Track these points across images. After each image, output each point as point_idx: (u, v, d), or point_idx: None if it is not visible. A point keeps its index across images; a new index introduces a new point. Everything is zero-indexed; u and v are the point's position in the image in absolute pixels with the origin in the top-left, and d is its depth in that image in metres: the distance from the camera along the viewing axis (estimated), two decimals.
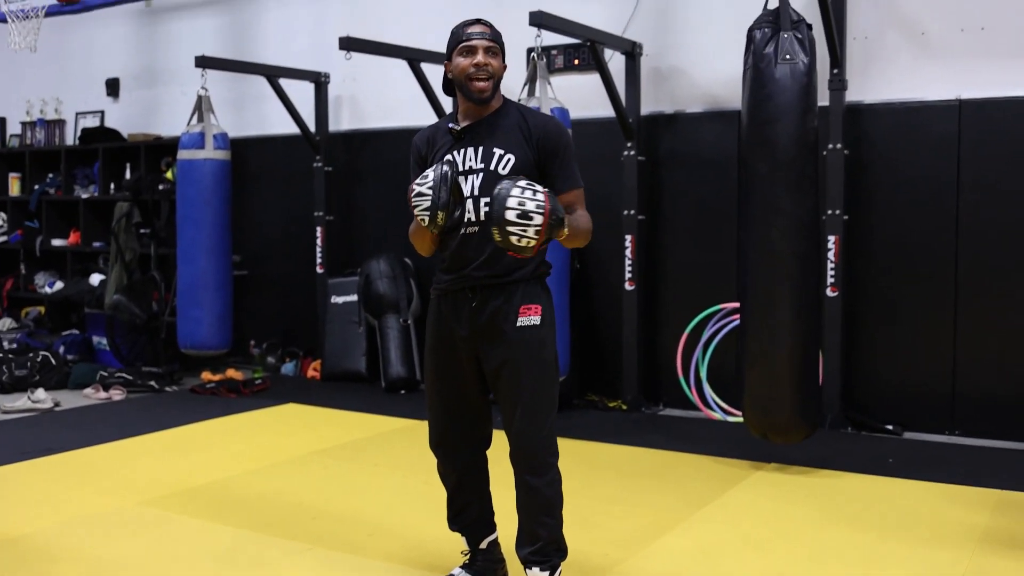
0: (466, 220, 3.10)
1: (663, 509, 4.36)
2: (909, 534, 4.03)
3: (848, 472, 4.94)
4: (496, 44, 3.13)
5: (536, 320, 3.10)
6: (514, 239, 2.78)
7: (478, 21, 3.16)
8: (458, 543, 3.46)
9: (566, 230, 2.88)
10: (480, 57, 3.08)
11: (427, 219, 2.94)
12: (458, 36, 3.14)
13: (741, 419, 5.43)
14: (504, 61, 3.18)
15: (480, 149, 3.11)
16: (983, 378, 5.63)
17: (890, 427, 5.78)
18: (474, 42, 3.10)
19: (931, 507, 4.38)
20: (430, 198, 2.92)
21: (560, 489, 3.14)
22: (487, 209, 2.92)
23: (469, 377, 3.19)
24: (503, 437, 3.17)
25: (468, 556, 3.39)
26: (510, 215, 2.76)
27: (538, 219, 2.77)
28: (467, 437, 3.28)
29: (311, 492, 4.64)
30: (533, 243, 2.79)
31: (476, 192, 3.08)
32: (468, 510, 3.33)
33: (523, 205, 2.77)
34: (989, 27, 5.55)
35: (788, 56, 4.63)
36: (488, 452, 3.35)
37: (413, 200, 2.95)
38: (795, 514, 4.32)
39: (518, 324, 3.07)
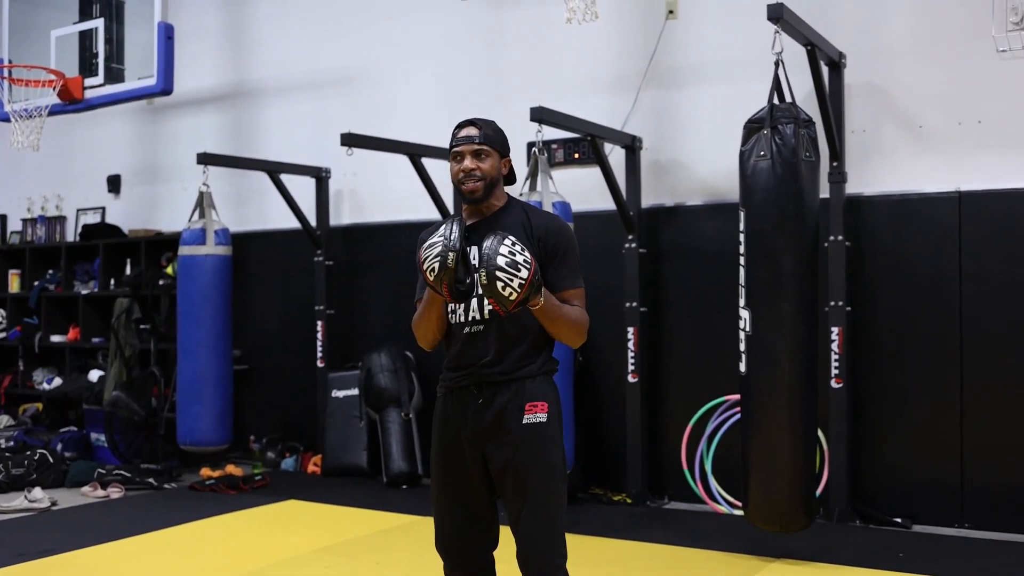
0: (471, 319, 3.10)
1: None
2: None
3: (859, 567, 4.86)
4: (487, 146, 3.13)
5: (543, 417, 3.06)
6: (499, 285, 2.82)
7: (471, 123, 3.17)
8: None
9: (542, 299, 2.91)
10: (467, 163, 3.11)
11: (437, 267, 2.88)
12: (451, 141, 3.18)
13: None
14: (504, 157, 3.19)
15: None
16: (991, 469, 5.58)
17: (899, 520, 5.70)
18: (460, 148, 3.13)
19: None
20: (441, 242, 2.90)
21: None
22: (484, 280, 2.88)
23: (476, 477, 3.13)
24: (510, 534, 3.12)
25: None
26: (501, 261, 2.82)
27: (524, 272, 2.83)
28: (474, 540, 3.20)
29: None
30: (515, 296, 2.83)
31: (481, 291, 3.07)
32: None
33: (513, 256, 2.84)
34: (986, 120, 5.62)
35: (808, 154, 4.74)
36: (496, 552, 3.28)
37: (423, 254, 2.92)
38: None
39: (524, 422, 3.04)
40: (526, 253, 2.88)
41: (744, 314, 4.81)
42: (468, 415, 3.10)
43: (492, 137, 3.16)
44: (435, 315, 3.14)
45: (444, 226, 2.94)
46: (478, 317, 3.09)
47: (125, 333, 7.95)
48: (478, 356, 3.08)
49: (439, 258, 2.88)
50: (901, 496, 5.80)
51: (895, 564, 4.90)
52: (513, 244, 2.88)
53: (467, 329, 3.10)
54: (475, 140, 3.12)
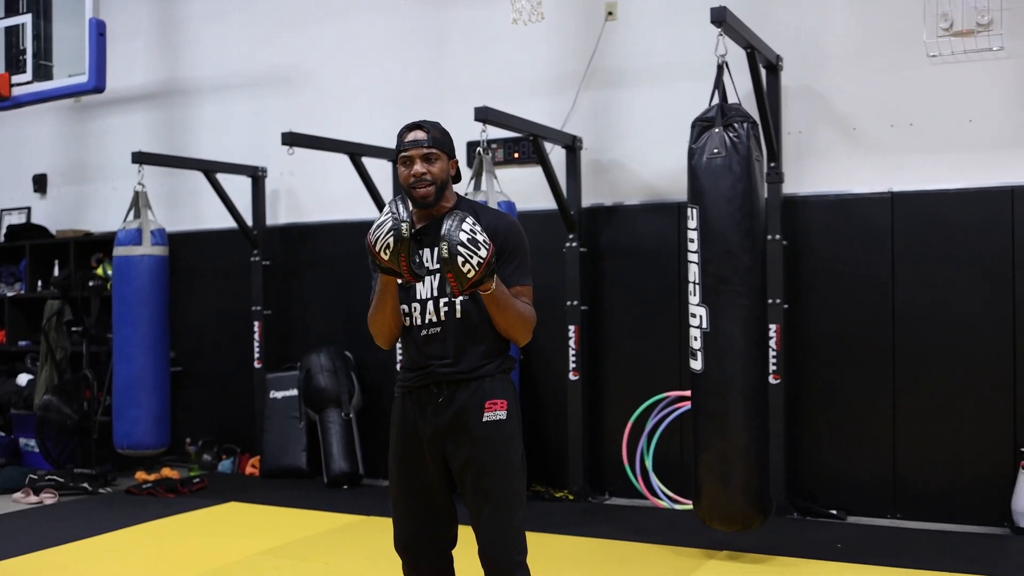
0: (428, 321, 3.11)
1: None
2: None
3: (800, 558, 4.97)
4: (436, 149, 3.11)
5: (502, 415, 3.08)
6: (460, 260, 2.84)
7: (418, 126, 3.14)
8: None
9: (493, 285, 2.94)
10: (417, 167, 3.09)
11: (392, 241, 2.88)
12: (398, 145, 3.15)
13: (689, 507, 5.46)
14: (452, 158, 3.17)
15: (436, 250, 3.07)
16: (922, 463, 5.74)
17: (834, 512, 5.85)
18: (409, 152, 3.10)
19: None
20: (391, 218, 2.90)
21: None
22: (445, 253, 2.88)
23: (435, 476, 3.13)
24: (470, 532, 3.13)
25: None
26: (463, 237, 2.86)
27: (484, 252, 2.87)
28: (433, 539, 3.19)
29: None
30: (473, 274, 2.86)
31: (435, 293, 3.10)
32: None
33: (474, 234, 2.88)
34: (918, 123, 5.79)
35: (757, 153, 4.82)
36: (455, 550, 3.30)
37: (373, 236, 2.92)
38: None
39: (484, 419, 3.05)
40: (485, 235, 2.91)
41: (700, 311, 4.83)
42: (427, 414, 3.11)
43: (440, 140, 3.14)
44: (390, 305, 3.11)
45: (388, 206, 2.94)
46: (435, 319, 3.10)
47: (56, 335, 7.78)
48: (437, 357, 3.09)
49: (392, 232, 2.88)
50: (836, 489, 5.94)
51: (833, 555, 5.02)
52: (473, 224, 2.91)
53: (424, 332, 3.11)
54: (424, 144, 3.09)
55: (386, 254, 2.90)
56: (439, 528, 3.19)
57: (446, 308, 3.08)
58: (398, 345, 3.30)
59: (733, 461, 4.84)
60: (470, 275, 2.86)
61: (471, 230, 2.89)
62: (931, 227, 5.72)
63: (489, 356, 3.11)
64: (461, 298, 3.06)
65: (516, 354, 3.20)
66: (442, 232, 2.90)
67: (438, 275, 3.10)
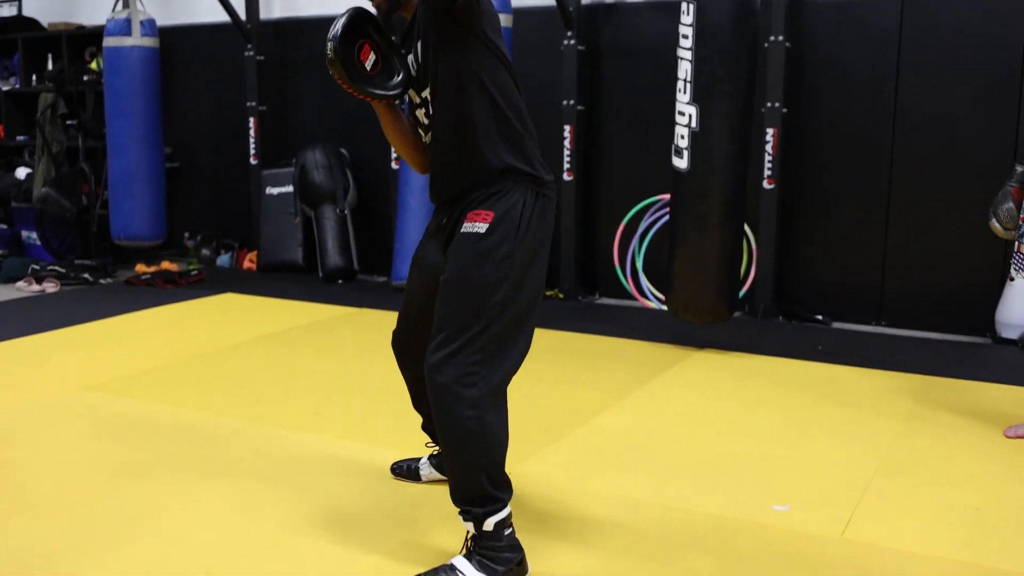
0: (422, 131, 2.79)
1: (602, 390, 4.47)
2: (836, 412, 4.18)
3: (779, 357, 5.09)
4: None
5: (481, 228, 2.58)
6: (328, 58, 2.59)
7: None
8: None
9: (380, 93, 2.66)
10: None
11: (328, 64, 2.59)
12: None
13: None
14: None
15: (419, 47, 2.70)
16: (911, 272, 5.80)
17: (820, 317, 5.95)
18: None
19: (858, 389, 4.54)
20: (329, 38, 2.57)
21: (474, 434, 2.54)
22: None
23: (431, 283, 2.78)
24: None
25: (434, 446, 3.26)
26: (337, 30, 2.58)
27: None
28: (419, 342, 2.84)
29: (254, 376, 4.66)
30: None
31: (422, 97, 2.74)
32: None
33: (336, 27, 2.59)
34: None
35: None
36: None
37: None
38: (729, 392, 4.46)
39: (461, 230, 2.62)
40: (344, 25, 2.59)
41: (690, 110, 4.80)
42: (438, 220, 2.81)
43: None
44: (388, 129, 2.83)
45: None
46: (424, 124, 2.77)
47: (51, 129, 7.76)
48: (433, 167, 2.77)
49: (327, 56, 2.59)
50: (824, 296, 6.02)
51: (813, 355, 5.13)
52: (348, 15, 2.60)
53: (426, 141, 2.80)
54: None
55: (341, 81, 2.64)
56: (425, 333, 2.78)
57: (424, 112, 2.74)
58: None
59: (709, 259, 4.94)
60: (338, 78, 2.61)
61: (340, 24, 2.58)
62: (940, 33, 5.58)
63: (482, 167, 2.62)
64: (426, 98, 2.69)
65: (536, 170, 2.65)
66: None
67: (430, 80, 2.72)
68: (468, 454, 2.55)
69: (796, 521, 3.05)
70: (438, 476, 3.28)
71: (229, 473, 3.40)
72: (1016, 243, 3.86)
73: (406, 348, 2.98)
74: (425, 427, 3.19)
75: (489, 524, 2.59)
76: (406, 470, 3.35)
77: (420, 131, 2.81)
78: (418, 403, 3.10)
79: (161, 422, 3.96)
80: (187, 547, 2.83)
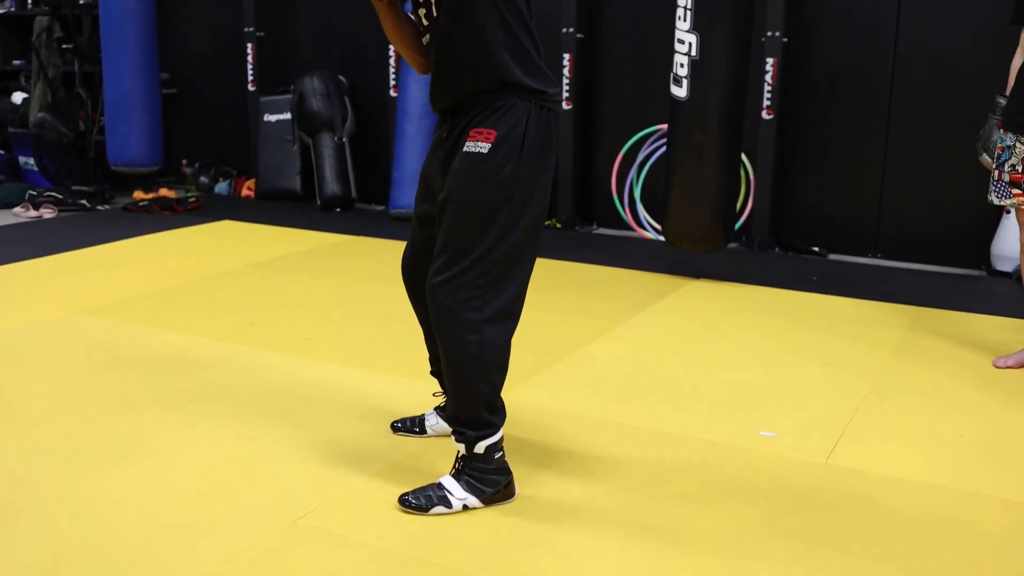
0: (424, 32, 2.63)
1: (597, 317, 4.49)
2: (828, 342, 4.21)
3: (774, 287, 5.10)
4: None
5: (484, 148, 2.49)
6: None
7: None
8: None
9: None
10: None
11: None
12: None
13: None
14: None
15: None
16: (907, 205, 5.79)
17: (816, 249, 5.95)
18: None
19: (851, 319, 4.56)
20: None
21: (474, 358, 2.54)
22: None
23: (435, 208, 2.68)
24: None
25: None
26: None
27: None
28: (424, 269, 2.73)
29: (249, 302, 4.68)
30: None
31: None
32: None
33: None
34: None
35: None
36: None
37: None
38: (722, 321, 4.48)
39: (464, 150, 2.53)
40: None
41: (689, 38, 4.76)
42: (439, 139, 2.69)
43: None
44: (387, 23, 2.70)
45: None
46: (425, 25, 2.62)
47: (47, 53, 7.69)
48: (434, 74, 2.63)
49: None
50: (820, 227, 6.02)
51: (807, 286, 5.15)
52: None
53: (425, 37, 2.63)
54: None
55: None
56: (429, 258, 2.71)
57: (425, 13, 2.58)
58: None
59: (706, 187, 4.94)
60: None
61: None
62: None
63: (484, 77, 2.52)
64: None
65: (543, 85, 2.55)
66: None
67: None
68: (467, 377, 2.55)
69: (783, 447, 3.09)
70: (444, 429, 3.06)
71: (222, 398, 3.44)
72: (995, 172, 3.87)
73: (413, 275, 2.87)
74: (435, 372, 3.03)
75: (480, 447, 2.61)
76: (408, 424, 3.14)
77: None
78: (431, 341, 2.95)
79: (156, 347, 3.98)
80: (179, 469, 2.87)
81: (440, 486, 2.63)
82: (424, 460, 2.93)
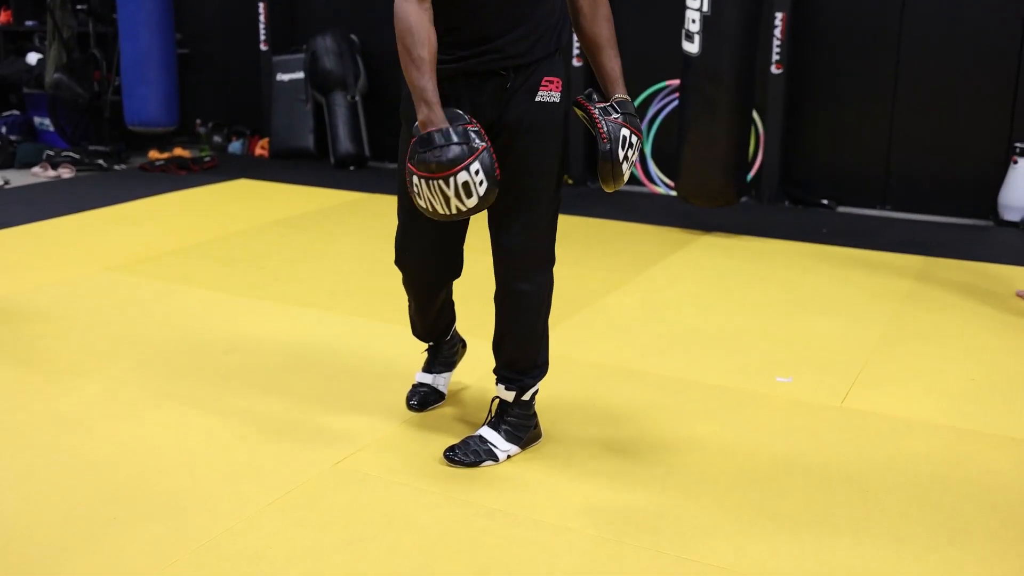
0: None
1: (611, 271, 4.59)
2: (839, 291, 4.31)
3: (785, 240, 5.19)
4: None
5: (556, 97, 2.56)
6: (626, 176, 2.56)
7: None
8: None
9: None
10: None
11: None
12: None
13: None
14: None
15: None
16: (915, 157, 5.86)
17: (825, 202, 6.03)
18: None
19: (861, 269, 4.65)
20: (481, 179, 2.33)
21: (547, 300, 2.70)
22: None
23: None
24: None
25: (429, 350, 3.09)
26: (626, 171, 2.54)
27: (636, 151, 2.58)
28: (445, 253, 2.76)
29: (272, 258, 4.78)
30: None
31: None
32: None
33: (627, 157, 2.54)
34: None
35: None
36: None
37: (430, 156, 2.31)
38: (734, 273, 4.58)
39: (536, 100, 2.54)
40: (633, 138, 2.54)
41: None
42: (473, 98, 2.54)
43: None
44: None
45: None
46: None
47: (62, 14, 7.72)
48: (488, 33, 2.49)
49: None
50: (829, 180, 6.09)
51: (817, 238, 5.24)
52: (625, 145, 2.53)
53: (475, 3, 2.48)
54: None
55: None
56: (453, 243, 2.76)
57: None
58: None
59: (719, 142, 5.01)
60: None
61: (623, 157, 2.53)
62: None
63: (548, 28, 2.55)
64: None
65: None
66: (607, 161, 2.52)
67: None
68: (536, 319, 2.68)
69: (798, 392, 3.20)
70: (451, 380, 3.13)
71: (254, 349, 3.55)
72: None
73: (437, 274, 2.78)
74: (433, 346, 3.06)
75: (529, 393, 2.73)
76: (422, 398, 3.04)
77: None
78: (431, 314, 2.92)
79: (185, 302, 4.09)
80: (217, 417, 2.98)
81: (482, 439, 2.72)
82: (450, 406, 3.04)
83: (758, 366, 3.42)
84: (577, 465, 2.68)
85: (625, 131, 2.51)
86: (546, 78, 2.54)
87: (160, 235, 5.20)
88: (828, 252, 4.97)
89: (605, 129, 2.48)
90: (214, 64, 8.10)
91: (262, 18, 7.53)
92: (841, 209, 6.01)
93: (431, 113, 2.33)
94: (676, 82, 6.20)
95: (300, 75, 7.39)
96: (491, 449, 2.70)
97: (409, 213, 2.64)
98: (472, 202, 2.33)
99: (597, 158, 2.51)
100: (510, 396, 2.72)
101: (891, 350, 3.59)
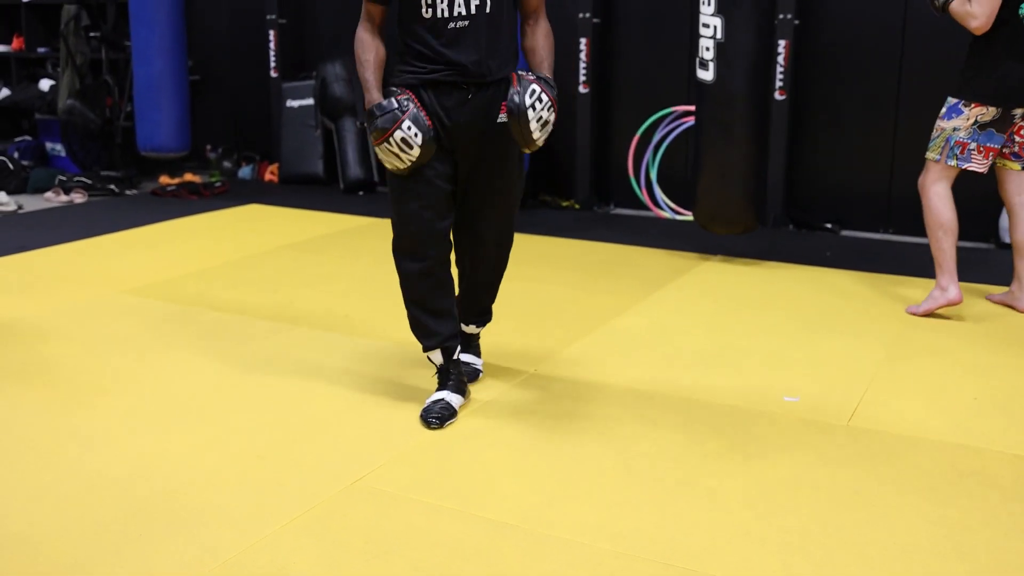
0: (456, 14, 2.96)
1: (617, 294, 4.65)
2: (843, 313, 4.38)
3: (789, 263, 5.26)
4: None
5: (504, 119, 3.09)
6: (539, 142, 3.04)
7: None
8: None
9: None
10: None
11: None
12: None
13: (690, 218, 5.71)
14: None
15: None
16: (918, 180, 5.91)
17: (829, 225, 6.10)
18: None
19: (865, 291, 4.72)
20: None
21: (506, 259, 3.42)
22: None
23: (444, 176, 3.13)
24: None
25: (439, 374, 3.29)
26: (535, 129, 2.99)
27: (551, 118, 3.02)
28: (444, 229, 3.25)
29: (285, 281, 4.85)
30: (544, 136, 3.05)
31: None
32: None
33: (540, 119, 2.99)
34: None
35: None
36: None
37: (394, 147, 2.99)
38: (740, 296, 4.65)
39: (499, 120, 3.06)
40: (546, 100, 3.00)
41: (714, 21, 4.88)
42: (447, 108, 3.02)
43: None
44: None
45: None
46: (463, 13, 2.96)
47: (75, 40, 7.84)
48: (463, 53, 2.98)
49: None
50: (833, 204, 6.17)
51: (822, 261, 5.31)
52: (536, 103, 3.00)
53: (452, 25, 2.97)
54: None
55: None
56: (446, 220, 3.21)
57: (477, 2, 2.96)
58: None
59: (736, 168, 5.05)
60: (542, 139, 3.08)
61: (538, 118, 2.99)
62: None
63: (512, 54, 3.10)
64: None
65: (522, 65, 3.16)
66: (514, 121, 3.00)
67: None
68: (502, 272, 3.40)
69: (806, 410, 3.26)
70: (472, 359, 3.52)
71: (273, 371, 3.62)
72: None
73: (432, 237, 3.26)
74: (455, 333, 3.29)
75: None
76: (457, 383, 3.27)
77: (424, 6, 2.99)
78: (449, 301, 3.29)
79: (203, 323, 4.16)
80: (238, 434, 3.05)
81: (440, 400, 3.18)
82: (464, 423, 3.11)
83: (766, 386, 3.49)
84: (589, 481, 2.75)
85: (535, 86, 2.97)
86: (503, 103, 3.03)
87: (174, 259, 5.27)
88: (832, 275, 5.04)
89: (518, 83, 2.98)
90: (224, 90, 8.21)
91: (272, 45, 7.63)
92: (845, 232, 6.09)
93: (371, 96, 3.01)
94: (681, 108, 6.31)
95: (310, 101, 7.49)
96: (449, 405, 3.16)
97: (399, 202, 3.20)
98: (415, 152, 2.96)
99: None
100: (478, 331, 3.48)
101: (896, 369, 3.66)
